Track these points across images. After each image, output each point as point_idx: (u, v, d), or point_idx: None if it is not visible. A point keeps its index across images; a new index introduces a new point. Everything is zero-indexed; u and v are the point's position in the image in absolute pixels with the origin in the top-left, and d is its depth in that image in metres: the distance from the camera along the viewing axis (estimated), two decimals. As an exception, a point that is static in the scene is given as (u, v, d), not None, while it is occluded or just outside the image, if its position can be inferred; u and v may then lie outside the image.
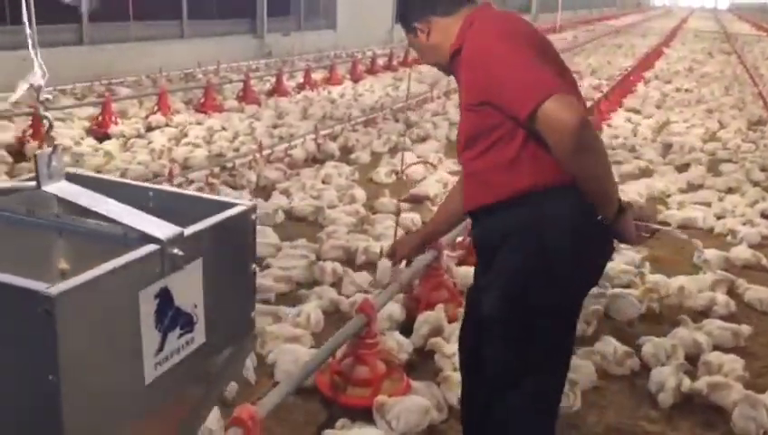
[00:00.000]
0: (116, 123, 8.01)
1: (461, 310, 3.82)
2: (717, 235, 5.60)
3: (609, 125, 9.76)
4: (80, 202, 1.36)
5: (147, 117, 8.60)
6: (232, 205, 1.57)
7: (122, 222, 1.34)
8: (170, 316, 1.36)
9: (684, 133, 9.33)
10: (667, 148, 8.51)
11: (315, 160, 7.39)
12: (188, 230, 1.38)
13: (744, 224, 5.67)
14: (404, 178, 6.77)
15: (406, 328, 3.68)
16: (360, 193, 6.08)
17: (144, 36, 12.38)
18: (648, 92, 12.97)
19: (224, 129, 8.41)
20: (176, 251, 1.32)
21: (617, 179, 2.59)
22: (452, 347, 3.18)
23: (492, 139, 2.05)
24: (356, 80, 13.17)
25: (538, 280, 2.08)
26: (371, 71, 14.29)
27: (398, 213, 4.56)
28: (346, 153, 7.69)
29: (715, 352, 3.54)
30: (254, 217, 1.58)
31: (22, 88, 1.40)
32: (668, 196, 6.44)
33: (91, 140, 7.45)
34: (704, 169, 7.36)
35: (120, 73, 11.02)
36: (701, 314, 4.10)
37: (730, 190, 6.70)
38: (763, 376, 3.52)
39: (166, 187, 1.73)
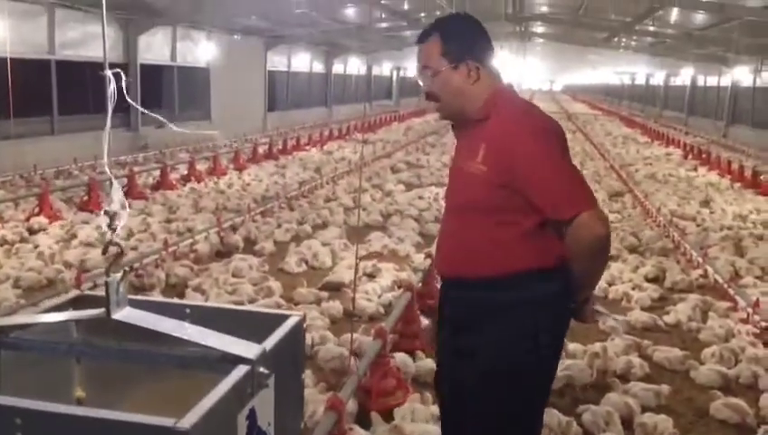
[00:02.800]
0: (-4, 228, 7.47)
1: (410, 395, 3.92)
2: (613, 300, 6.10)
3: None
4: (156, 328, 1.35)
5: (28, 219, 8.09)
6: (283, 317, 1.60)
7: (207, 344, 1.34)
8: (253, 438, 1.36)
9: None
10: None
11: (220, 254, 7.27)
12: (267, 346, 1.40)
13: (633, 289, 6.22)
14: (315, 265, 6.86)
15: (360, 420, 3.68)
16: (275, 285, 6.04)
17: (13, 134, 11.74)
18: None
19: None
20: (262, 370, 1.34)
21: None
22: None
23: (498, 217, 2.17)
24: (240, 169, 13.17)
25: (528, 358, 2.23)
26: (254, 159, 14.35)
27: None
28: (250, 244, 7.64)
29: (646, 414, 3.84)
30: (304, 326, 1.62)
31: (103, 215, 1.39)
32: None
33: (-33, 249, 6.88)
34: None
35: (-13, 173, 10.35)
36: (621, 378, 4.42)
37: (611, 258, 7.34)
38: (691, 431, 3.85)
39: (200, 302, 1.72)
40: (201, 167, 12.57)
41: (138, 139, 15.05)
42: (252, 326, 1.58)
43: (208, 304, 1.59)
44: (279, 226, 8.44)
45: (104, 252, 1.38)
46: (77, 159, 12.07)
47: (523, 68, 41.37)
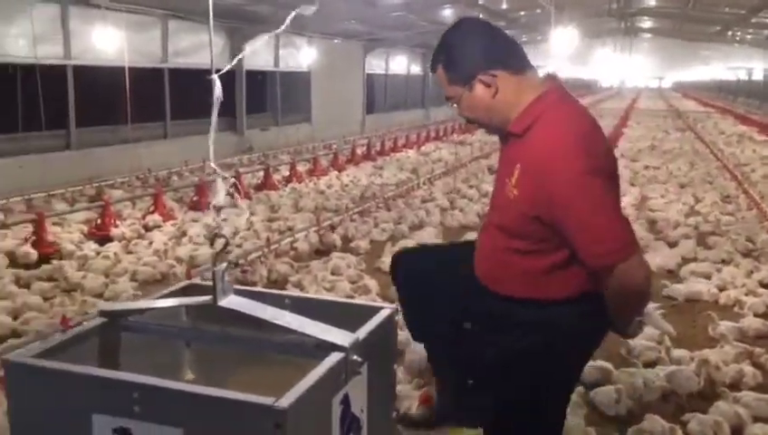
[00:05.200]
0: (116, 226, 8.01)
1: None
2: (723, 306, 5.79)
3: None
4: (259, 315, 1.43)
5: (144, 217, 8.63)
6: (376, 308, 1.65)
7: (304, 332, 1.42)
8: (348, 423, 1.42)
9: (664, 209, 9.70)
10: (652, 224, 8.83)
11: (319, 252, 7.47)
12: (360, 335, 1.46)
13: (747, 294, 5.88)
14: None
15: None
16: (372, 283, 6.15)
17: (130, 138, 12.57)
18: (619, 171, 13.49)
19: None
20: (355, 357, 1.40)
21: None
22: None
23: (525, 245, 2.04)
24: (339, 170, 13.46)
25: (546, 376, 2.10)
26: (352, 161, 14.63)
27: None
28: (346, 243, 7.80)
29: (758, 424, 3.63)
30: (396, 318, 1.67)
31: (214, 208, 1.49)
32: (670, 271, 6.66)
33: (91, 244, 7.42)
34: (693, 243, 7.63)
35: (108, 175, 11.10)
36: (731, 387, 4.20)
37: (723, 262, 6.96)
38: (808, 443, 3.61)
39: (299, 293, 1.79)
40: (302, 168, 12.94)
41: (243, 142, 15.70)
42: (346, 317, 1.64)
43: (306, 294, 1.66)
44: (376, 225, 8.57)
45: (212, 244, 1.48)
46: (187, 162, 12.73)
47: (629, 65, 39.89)
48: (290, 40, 18.07)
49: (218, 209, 1.52)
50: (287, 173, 12.27)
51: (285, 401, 1.17)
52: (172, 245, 7.48)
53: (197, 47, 14.46)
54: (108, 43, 11.83)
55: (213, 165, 1.52)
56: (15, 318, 5.21)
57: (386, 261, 7.05)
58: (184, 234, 8.00)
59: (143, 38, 13.04)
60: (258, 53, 16.62)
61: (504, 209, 2.09)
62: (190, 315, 1.63)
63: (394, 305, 1.67)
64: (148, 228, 8.26)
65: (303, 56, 18.68)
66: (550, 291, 2.04)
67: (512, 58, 2.05)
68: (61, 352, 1.42)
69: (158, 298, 1.69)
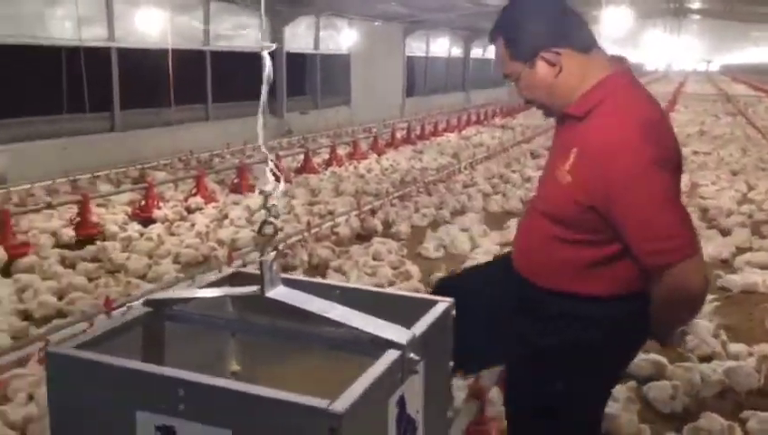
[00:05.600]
0: (159, 207, 8.06)
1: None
2: (781, 299, 5.54)
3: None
4: (308, 308, 1.35)
5: (186, 199, 8.67)
6: (431, 302, 1.55)
7: (356, 327, 1.33)
8: (403, 425, 1.33)
9: (715, 196, 9.36)
10: (704, 212, 8.53)
11: (360, 237, 7.40)
12: (417, 331, 1.36)
13: (806, 287, 5.63)
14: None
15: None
16: (414, 269, 6.05)
17: (173, 120, 12.66)
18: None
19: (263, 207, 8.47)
20: (412, 355, 1.30)
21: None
22: None
23: (575, 234, 1.90)
24: (379, 153, 13.36)
25: (579, 375, 1.97)
26: (391, 144, 14.51)
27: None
28: (387, 228, 7.72)
29: (824, 424, 3.44)
30: (453, 313, 1.56)
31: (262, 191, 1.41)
32: (724, 261, 6.41)
33: (135, 225, 7.48)
34: (748, 232, 7.35)
35: (151, 157, 11.20)
36: (794, 384, 4.00)
37: (780, 251, 6.68)
38: None
39: (349, 284, 1.70)
40: (342, 152, 12.88)
41: (282, 125, 15.70)
42: (399, 310, 1.55)
43: (357, 285, 1.57)
44: (417, 210, 8.46)
45: (260, 231, 1.40)
46: (229, 144, 12.77)
47: (677, 47, 38.71)
48: (330, 22, 17.97)
49: (267, 196, 1.43)
50: (327, 156, 12.22)
51: (341, 404, 1.08)
52: (214, 227, 7.50)
53: (239, 30, 14.47)
54: (151, 25, 11.90)
55: (264, 149, 1.42)
56: (61, 298, 5.26)
57: (427, 247, 6.97)
58: (225, 216, 8.01)
59: (185, 20, 13.07)
60: (298, 36, 16.55)
61: (553, 196, 1.95)
62: (236, 305, 1.56)
63: (450, 299, 1.56)
64: (190, 210, 8.30)
65: (343, 39, 18.56)
66: (593, 286, 1.91)
67: (579, 35, 1.90)
68: (105, 343, 1.35)
69: (204, 287, 1.62)
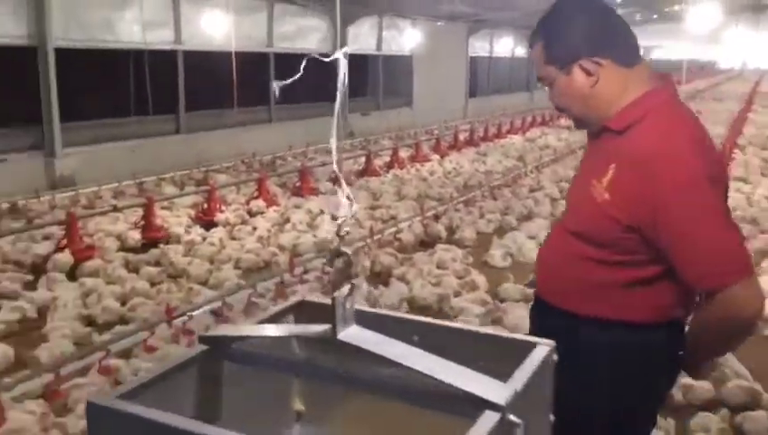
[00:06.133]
0: (221, 211, 8.04)
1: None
2: None
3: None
4: (387, 354, 1.14)
5: (248, 202, 8.63)
6: (528, 344, 1.32)
7: (444, 380, 1.11)
8: (499, 496, 1.11)
9: (804, 202, 8.75)
10: (792, 218, 7.96)
11: (423, 243, 7.18)
12: (517, 386, 1.14)
13: None
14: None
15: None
16: (480, 279, 5.80)
17: (236, 123, 12.72)
18: (747, 160, 12.40)
19: (322, 211, 8.36)
20: (512, 418, 1.08)
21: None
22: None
23: (609, 256, 1.74)
24: (442, 156, 13.11)
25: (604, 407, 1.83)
26: (455, 146, 14.23)
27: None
28: (451, 233, 7.47)
29: None
30: (554, 357, 1.33)
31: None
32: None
33: (197, 229, 7.47)
34: None
35: (215, 159, 11.27)
36: None
37: None
38: None
39: (431, 319, 1.48)
40: (403, 154, 12.68)
41: (344, 127, 15.60)
42: (489, 351, 1.32)
43: (440, 321, 1.37)
44: (482, 215, 8.19)
45: (331, 263, 1.20)
46: (291, 147, 12.75)
47: (755, 45, 36.89)
48: (393, 23, 17.81)
49: (341, 223, 1.23)
50: (388, 159, 12.04)
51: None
52: (275, 232, 7.42)
53: (302, 31, 14.45)
54: (216, 27, 11.99)
55: (336, 169, 1.23)
56: (123, 304, 5.24)
57: (494, 255, 6.69)
58: (287, 220, 7.93)
59: (249, 23, 13.13)
60: (361, 37, 16.44)
61: (586, 214, 1.80)
62: (303, 343, 1.36)
63: (551, 342, 1.32)
64: (251, 214, 8.25)
65: (406, 39, 18.36)
66: (627, 311, 1.76)
67: (623, 47, 1.78)
68: (154, 388, 1.18)
69: (267, 320, 1.43)
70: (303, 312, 1.52)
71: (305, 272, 5.80)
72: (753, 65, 68.06)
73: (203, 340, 1.31)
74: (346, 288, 1.21)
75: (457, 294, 5.48)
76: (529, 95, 26.67)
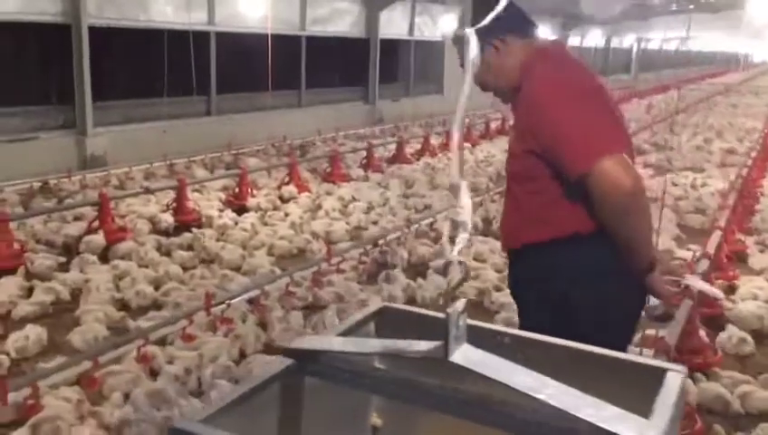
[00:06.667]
0: (252, 195, 7.92)
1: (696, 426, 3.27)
2: None
3: (762, 194, 8.95)
4: (511, 383, 0.98)
5: (279, 188, 8.50)
6: (656, 370, 1.16)
7: (578, 416, 0.95)
8: None
9: None
10: None
11: (459, 234, 7.00)
12: (661, 425, 0.97)
13: None
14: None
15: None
16: (520, 273, 5.60)
17: (267, 106, 12.57)
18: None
19: (354, 198, 8.20)
20: (661, 462, 0.92)
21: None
22: None
23: (528, 186, 2.10)
24: (473, 144, 12.88)
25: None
26: (486, 135, 13.98)
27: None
28: (487, 225, 7.28)
29: None
30: (683, 386, 1.16)
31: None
32: None
33: (229, 213, 7.35)
34: None
35: (245, 142, 11.13)
36: None
37: None
38: None
39: (534, 335, 1.31)
40: (434, 141, 12.47)
41: (374, 112, 15.41)
42: (609, 375, 1.16)
43: (544, 338, 1.21)
44: (518, 207, 7.98)
45: (445, 273, 1.04)
46: (320, 131, 12.59)
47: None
48: (425, 8, 17.50)
49: (455, 227, 1.07)
50: (419, 146, 11.84)
51: None
52: (307, 218, 7.29)
53: (334, 15, 14.24)
54: (249, 9, 11.83)
55: (458, 178, 1.07)
56: (157, 288, 5.14)
57: (533, 248, 6.49)
58: (319, 207, 7.79)
59: (282, 5, 12.94)
60: (393, 22, 16.18)
61: (510, 159, 2.23)
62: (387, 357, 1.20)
63: (683, 368, 1.15)
64: (283, 199, 8.12)
65: (438, 25, 18.06)
66: (554, 228, 2.07)
67: (523, 25, 2.18)
68: (238, 409, 1.04)
69: (350, 328, 1.28)
70: (385, 320, 1.37)
71: (342, 260, 5.65)
72: (788, 59, 66.38)
73: (288, 353, 1.15)
74: (460, 304, 1.05)
75: (498, 289, 5.30)
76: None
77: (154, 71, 10.54)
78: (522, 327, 2.16)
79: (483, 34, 2.06)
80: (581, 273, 2.04)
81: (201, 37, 11.18)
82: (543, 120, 1.98)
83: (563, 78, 2.05)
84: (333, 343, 1.18)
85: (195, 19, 10.97)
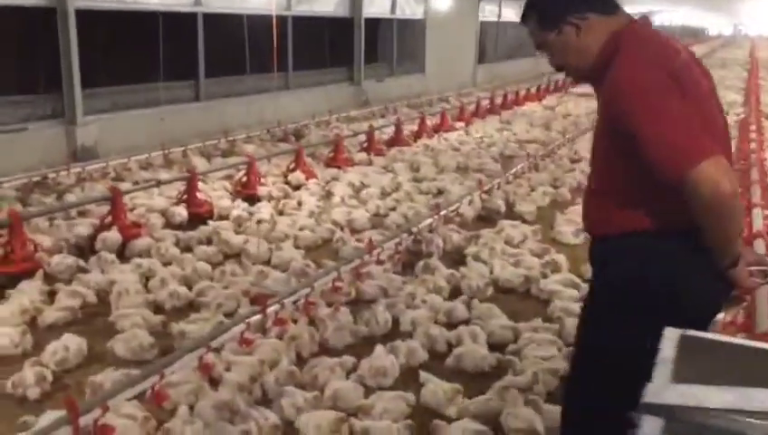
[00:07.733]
0: (261, 184, 7.61)
1: None
2: None
3: None
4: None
5: (285, 175, 8.20)
6: None
7: None
8: None
9: None
10: None
11: (481, 218, 6.84)
12: None
13: None
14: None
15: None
16: (560, 258, 5.47)
17: (253, 90, 12.16)
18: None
19: (363, 184, 7.96)
20: None
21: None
22: None
23: (623, 171, 2.03)
24: (467, 123, 12.70)
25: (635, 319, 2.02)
26: (477, 114, 13.81)
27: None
28: (509, 208, 7.13)
29: None
30: None
31: None
32: None
33: (241, 203, 7.04)
34: None
35: (234, 127, 10.72)
36: None
37: None
38: None
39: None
40: (429, 122, 12.23)
41: (360, 93, 15.09)
42: None
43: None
44: (532, 189, 7.84)
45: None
46: (314, 115, 12.23)
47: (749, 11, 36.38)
48: (408, -15, 17.16)
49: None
50: (415, 127, 11.59)
51: None
52: (324, 206, 7.03)
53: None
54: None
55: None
56: (189, 287, 4.85)
57: (561, 231, 6.36)
58: (330, 193, 7.52)
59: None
60: (375, 0, 15.79)
61: (597, 141, 2.17)
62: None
63: None
64: (292, 187, 7.82)
65: (419, 2, 17.73)
66: (639, 221, 2.03)
67: (602, 1, 2.09)
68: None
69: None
70: (688, 353, 1.16)
71: (380, 251, 5.41)
72: (744, 32, 67.91)
73: (650, 409, 0.94)
74: None
75: (544, 276, 5.15)
76: (534, 60, 26.14)
77: (140, 55, 10.07)
78: (589, 314, 2.29)
79: (560, 12, 2.06)
80: (671, 265, 2.00)
81: (188, 19, 10.70)
82: (631, 113, 1.89)
83: (651, 63, 1.93)
84: (710, 396, 0.97)
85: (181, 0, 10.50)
